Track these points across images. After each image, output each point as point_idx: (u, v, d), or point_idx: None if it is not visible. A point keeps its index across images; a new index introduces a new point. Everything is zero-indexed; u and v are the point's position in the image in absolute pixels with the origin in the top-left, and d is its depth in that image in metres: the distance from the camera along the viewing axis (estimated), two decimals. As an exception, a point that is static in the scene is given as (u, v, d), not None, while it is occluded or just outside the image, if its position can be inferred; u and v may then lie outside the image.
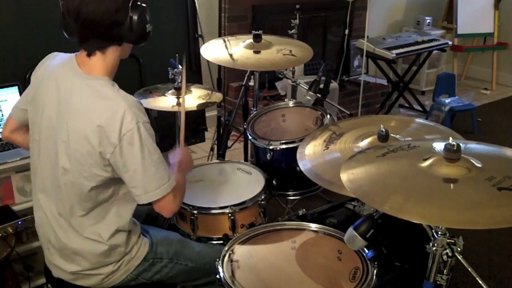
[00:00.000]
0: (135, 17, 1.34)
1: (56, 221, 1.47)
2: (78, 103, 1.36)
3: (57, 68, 1.44)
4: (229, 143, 2.96)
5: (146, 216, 1.83)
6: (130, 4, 1.32)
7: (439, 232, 1.25)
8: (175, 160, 1.62)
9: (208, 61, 2.33)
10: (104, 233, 1.46)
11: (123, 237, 1.49)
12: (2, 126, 2.29)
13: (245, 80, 2.58)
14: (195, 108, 2.13)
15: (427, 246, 1.27)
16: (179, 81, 2.16)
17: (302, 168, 1.64)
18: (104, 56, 1.39)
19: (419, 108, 4.77)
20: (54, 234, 1.48)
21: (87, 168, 1.36)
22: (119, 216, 1.47)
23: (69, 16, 1.33)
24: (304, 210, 2.03)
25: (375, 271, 1.44)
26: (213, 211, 1.83)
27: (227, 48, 2.30)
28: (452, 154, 1.19)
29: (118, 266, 1.50)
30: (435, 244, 1.25)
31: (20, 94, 2.26)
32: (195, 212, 1.82)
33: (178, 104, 2.12)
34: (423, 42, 4.45)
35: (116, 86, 1.40)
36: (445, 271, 1.27)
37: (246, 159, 2.69)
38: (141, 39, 1.40)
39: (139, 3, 1.36)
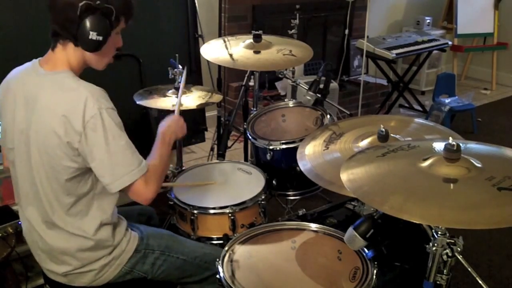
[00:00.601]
0: (84, 20, 1.34)
1: (40, 227, 1.49)
2: (43, 98, 1.38)
3: (18, 76, 1.48)
4: (229, 143, 2.96)
5: (138, 216, 1.84)
6: (80, 4, 1.33)
7: (439, 232, 1.25)
8: (159, 133, 1.60)
9: (208, 61, 2.33)
10: (88, 229, 1.47)
11: (109, 231, 1.50)
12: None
13: (245, 80, 2.58)
14: (194, 107, 2.14)
15: (427, 246, 1.27)
16: (179, 81, 2.17)
17: (302, 168, 1.63)
18: (65, 50, 1.41)
19: (419, 108, 4.77)
20: (40, 238, 1.50)
21: (57, 161, 1.38)
22: (101, 210, 1.48)
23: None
24: (304, 210, 2.02)
25: (375, 271, 1.44)
26: (213, 211, 1.83)
27: (227, 48, 2.30)
28: (452, 154, 1.19)
29: (109, 260, 1.51)
30: (435, 244, 1.25)
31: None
32: (195, 212, 1.82)
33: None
34: (423, 42, 4.45)
35: (77, 78, 1.42)
36: (445, 271, 1.27)
37: (246, 159, 2.69)
38: (87, 45, 1.38)
39: (95, 8, 1.35)
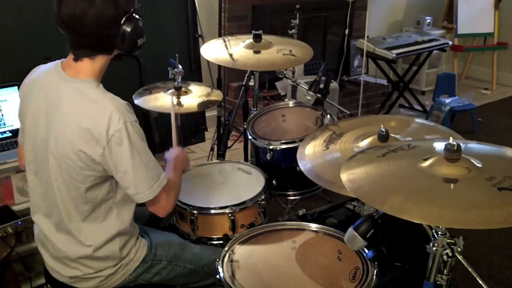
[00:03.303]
0: (128, 31, 1.35)
1: (54, 236, 1.48)
2: (65, 107, 1.35)
3: (42, 77, 1.45)
4: (229, 143, 2.96)
5: (149, 217, 1.83)
6: (123, 20, 1.34)
7: (439, 232, 1.25)
8: (169, 160, 1.62)
9: (208, 61, 2.33)
10: (103, 238, 1.45)
11: (122, 241, 1.49)
12: (1, 127, 2.30)
13: (245, 80, 2.58)
14: (195, 109, 2.13)
15: (427, 246, 1.27)
16: (179, 80, 2.17)
17: (302, 168, 1.63)
18: (92, 62, 1.39)
19: (419, 108, 4.77)
20: (52, 244, 1.49)
21: (78, 171, 1.36)
22: (120, 219, 1.47)
23: (64, 27, 1.33)
24: (304, 210, 2.02)
25: (375, 271, 1.44)
26: (213, 211, 1.82)
27: (227, 48, 2.30)
28: (452, 154, 1.19)
29: (116, 269, 1.50)
30: (435, 244, 1.25)
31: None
32: (195, 212, 1.82)
33: (178, 104, 2.12)
34: (423, 42, 4.45)
35: (101, 88, 1.39)
36: (445, 271, 1.27)
37: (246, 159, 2.69)
38: (132, 51, 1.42)
39: (133, 16, 1.36)
